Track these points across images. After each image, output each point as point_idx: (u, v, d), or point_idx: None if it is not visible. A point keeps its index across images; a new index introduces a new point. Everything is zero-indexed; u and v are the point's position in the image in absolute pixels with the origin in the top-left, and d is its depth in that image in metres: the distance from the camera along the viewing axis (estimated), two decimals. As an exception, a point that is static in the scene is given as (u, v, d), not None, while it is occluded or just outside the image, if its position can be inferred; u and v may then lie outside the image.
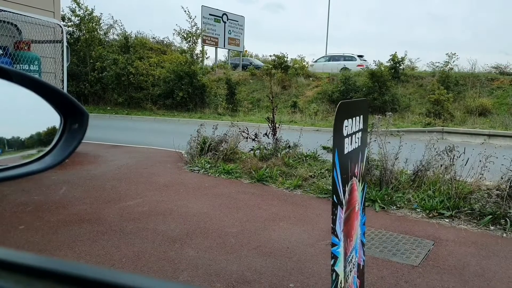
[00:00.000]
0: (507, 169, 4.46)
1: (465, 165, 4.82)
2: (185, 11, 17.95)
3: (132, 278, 0.43)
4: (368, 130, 4.50)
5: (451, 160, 4.90)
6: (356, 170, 1.99)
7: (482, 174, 4.69)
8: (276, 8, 63.56)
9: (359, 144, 2.00)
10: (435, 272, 3.06)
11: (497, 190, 4.40)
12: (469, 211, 4.29)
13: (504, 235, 3.90)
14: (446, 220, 4.26)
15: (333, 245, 1.73)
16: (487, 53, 43.85)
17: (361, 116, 2.01)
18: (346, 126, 1.80)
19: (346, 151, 1.81)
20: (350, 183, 1.88)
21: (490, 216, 4.13)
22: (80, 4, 19.08)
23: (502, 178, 4.49)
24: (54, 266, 0.43)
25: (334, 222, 1.70)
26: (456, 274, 3.05)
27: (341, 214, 1.77)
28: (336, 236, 1.73)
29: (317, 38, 52.10)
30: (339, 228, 1.76)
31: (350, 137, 1.86)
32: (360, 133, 2.00)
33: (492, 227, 4.05)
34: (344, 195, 1.80)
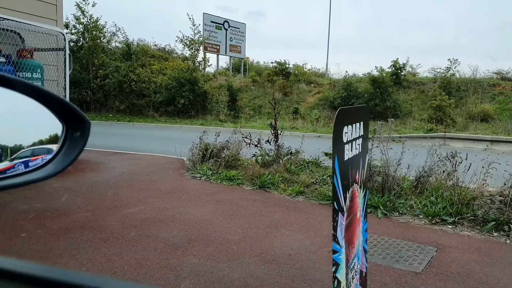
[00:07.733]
0: (510, 175, 4.44)
1: (467, 171, 4.80)
2: (190, 18, 18.08)
3: (133, 287, 0.43)
4: (370, 136, 4.50)
5: (454, 166, 4.89)
6: (357, 177, 1.99)
7: (485, 180, 4.67)
8: (258, 17, 64.00)
9: (360, 151, 2.00)
10: (438, 279, 3.04)
11: (500, 196, 4.38)
12: (472, 218, 4.27)
13: (508, 241, 3.88)
14: (449, 226, 4.24)
15: (335, 252, 1.72)
16: (473, 59, 43.93)
17: (362, 123, 2.01)
18: (346, 133, 1.80)
19: (346, 158, 1.81)
20: (351, 189, 1.88)
21: (493, 223, 4.11)
22: (85, 12, 19.25)
23: (505, 184, 4.47)
24: (54, 275, 0.44)
25: (335, 228, 1.70)
26: (459, 281, 3.03)
27: (342, 220, 1.77)
28: (338, 243, 1.73)
29: (312, 45, 52.13)
30: (341, 234, 1.75)
31: (350, 144, 1.86)
32: (360, 139, 2.00)
33: (495, 234, 4.03)
34: (345, 201, 1.79)
